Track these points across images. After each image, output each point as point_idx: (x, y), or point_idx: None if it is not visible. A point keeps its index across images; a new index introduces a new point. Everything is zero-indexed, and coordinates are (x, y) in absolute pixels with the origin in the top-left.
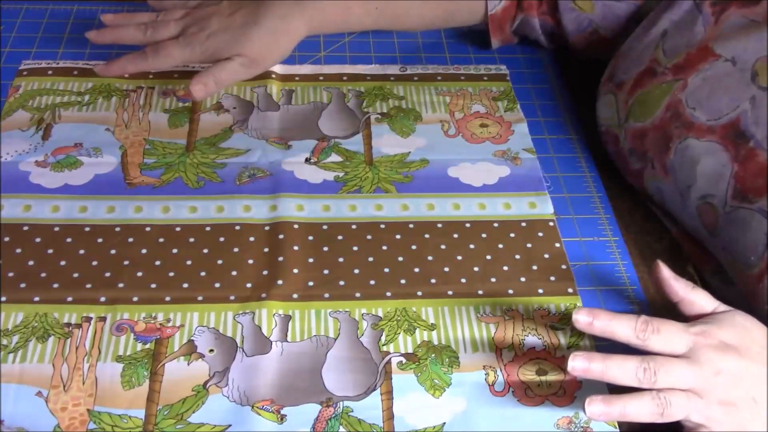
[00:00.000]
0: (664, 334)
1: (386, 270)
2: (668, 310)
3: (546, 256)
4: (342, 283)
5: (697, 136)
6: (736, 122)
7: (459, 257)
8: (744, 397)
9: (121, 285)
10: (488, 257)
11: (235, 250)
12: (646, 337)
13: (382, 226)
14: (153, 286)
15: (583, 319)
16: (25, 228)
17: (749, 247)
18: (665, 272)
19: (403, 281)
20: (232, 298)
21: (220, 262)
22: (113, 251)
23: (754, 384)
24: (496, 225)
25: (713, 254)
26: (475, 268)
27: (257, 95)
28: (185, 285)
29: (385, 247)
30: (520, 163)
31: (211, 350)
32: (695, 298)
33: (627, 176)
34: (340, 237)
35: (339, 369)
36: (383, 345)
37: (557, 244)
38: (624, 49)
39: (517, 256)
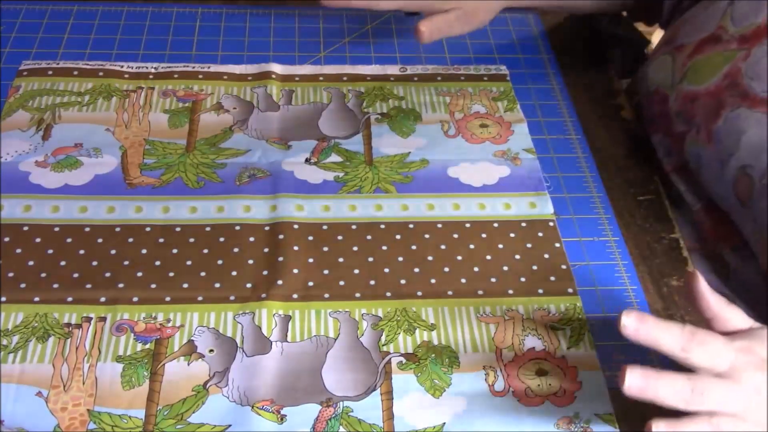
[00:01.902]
0: (709, 348)
1: (386, 270)
2: (668, 314)
3: (546, 256)
4: (342, 283)
5: (749, 107)
6: None
7: (459, 257)
8: None
9: (121, 285)
10: (488, 257)
11: (235, 250)
12: (692, 348)
13: (382, 226)
14: (153, 286)
15: (631, 325)
16: (25, 228)
17: None
18: (702, 285)
19: (403, 281)
20: (232, 298)
21: (220, 262)
22: (113, 251)
23: None
24: (496, 225)
25: (737, 230)
26: (475, 268)
27: (257, 95)
28: (185, 285)
29: (385, 247)
30: (520, 163)
31: (211, 350)
32: (731, 315)
33: (667, 137)
34: (340, 237)
35: (339, 369)
36: (383, 345)
37: (557, 244)
38: (688, 16)
39: (517, 256)
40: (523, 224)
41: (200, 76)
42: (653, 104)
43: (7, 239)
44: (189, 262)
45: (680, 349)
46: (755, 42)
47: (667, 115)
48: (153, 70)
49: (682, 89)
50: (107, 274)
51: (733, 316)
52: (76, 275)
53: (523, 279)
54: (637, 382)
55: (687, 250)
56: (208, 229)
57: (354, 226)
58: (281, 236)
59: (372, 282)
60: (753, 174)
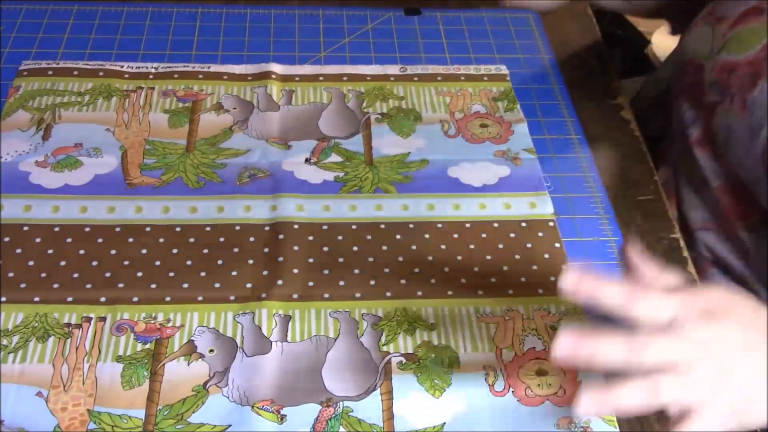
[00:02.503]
0: (650, 300)
1: (386, 270)
2: None
3: (546, 256)
4: (342, 283)
5: None
6: None
7: (459, 257)
8: (735, 364)
9: (121, 285)
10: (488, 257)
11: (235, 250)
12: (632, 302)
13: (382, 226)
14: (153, 286)
15: (572, 281)
16: (25, 228)
17: None
18: (634, 256)
19: (403, 281)
20: (232, 298)
21: (220, 262)
22: (113, 251)
23: (746, 351)
24: (496, 225)
25: (755, 208)
26: (475, 268)
27: (257, 95)
28: (185, 285)
29: (385, 247)
30: (520, 163)
31: (211, 350)
32: (668, 281)
33: (697, 108)
34: (340, 237)
35: (339, 369)
36: (383, 345)
37: (557, 244)
38: None
39: (517, 256)
40: (523, 224)
41: (200, 76)
42: (686, 74)
43: (7, 239)
44: (189, 262)
45: (620, 304)
46: None
47: (701, 85)
48: (153, 70)
49: (720, 59)
50: (107, 274)
51: (671, 281)
52: (76, 275)
53: (523, 279)
54: (569, 342)
55: (696, 231)
56: (208, 229)
57: (354, 226)
58: (281, 236)
59: (372, 282)
60: None
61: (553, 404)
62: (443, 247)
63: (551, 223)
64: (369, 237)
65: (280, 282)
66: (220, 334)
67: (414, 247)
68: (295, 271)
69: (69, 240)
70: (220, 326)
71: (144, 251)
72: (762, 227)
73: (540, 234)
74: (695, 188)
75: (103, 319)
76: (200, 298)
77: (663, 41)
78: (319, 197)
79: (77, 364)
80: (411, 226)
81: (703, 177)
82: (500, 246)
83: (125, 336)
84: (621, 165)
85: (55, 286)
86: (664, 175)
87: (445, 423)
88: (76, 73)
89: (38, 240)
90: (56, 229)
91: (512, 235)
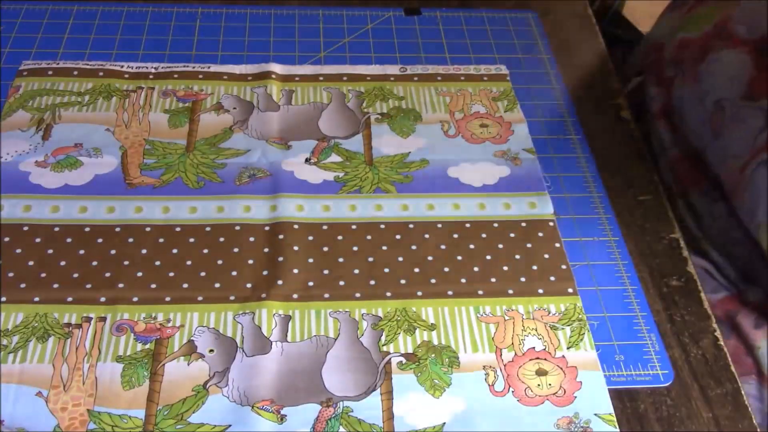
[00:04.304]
0: None
1: (386, 270)
2: (668, 314)
3: (546, 256)
4: (342, 283)
5: (732, 47)
6: None
7: (459, 257)
8: None
9: (121, 285)
10: (488, 257)
11: (235, 250)
12: None
13: (382, 226)
14: (153, 286)
15: None
16: (25, 228)
17: (744, 139)
18: None
19: (403, 281)
20: (232, 298)
21: (220, 262)
22: (113, 251)
23: None
24: (496, 225)
25: (706, 173)
26: (475, 268)
27: (257, 95)
28: (185, 285)
29: (385, 247)
30: (520, 164)
31: (211, 350)
32: None
33: (659, 85)
34: (340, 237)
35: (339, 369)
36: (383, 345)
37: (557, 244)
38: None
39: (517, 256)
40: (523, 224)
41: (200, 76)
42: (650, 54)
43: (7, 239)
44: (189, 262)
45: None
46: None
47: (662, 62)
48: (153, 70)
49: (677, 38)
50: (107, 274)
51: None
52: (76, 275)
53: (523, 279)
54: None
55: (671, 196)
56: (208, 229)
57: (354, 226)
58: (281, 236)
59: (372, 282)
60: (726, 105)
61: (553, 404)
62: (443, 247)
63: (551, 223)
64: (369, 237)
65: (280, 282)
66: (220, 334)
67: (414, 247)
68: (295, 271)
69: (69, 240)
70: (220, 326)
71: (144, 251)
72: (712, 192)
73: (540, 234)
74: (659, 158)
75: (103, 319)
76: (200, 298)
77: None
78: (319, 197)
79: (77, 364)
80: (411, 226)
81: (663, 147)
82: (500, 246)
83: (125, 336)
84: (621, 165)
85: (55, 286)
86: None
87: (445, 423)
88: (76, 73)
89: (38, 240)
90: (56, 229)
91: (512, 235)
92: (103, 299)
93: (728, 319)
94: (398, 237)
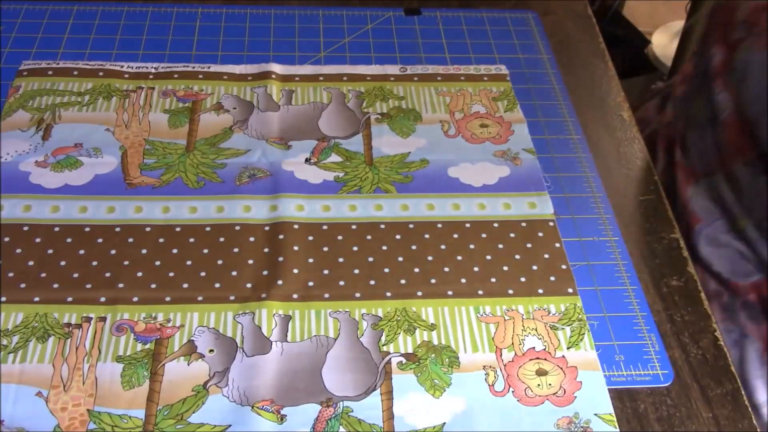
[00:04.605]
0: None
1: (386, 270)
2: (668, 314)
3: (546, 256)
4: (342, 283)
5: None
6: None
7: (459, 257)
8: None
9: (121, 285)
10: (488, 257)
11: (235, 250)
12: None
13: (382, 226)
14: (153, 286)
15: None
16: (25, 228)
17: None
18: None
19: (403, 281)
20: (232, 298)
21: (220, 262)
22: (113, 251)
23: None
24: (496, 225)
25: (756, 142)
26: (475, 268)
27: (257, 95)
28: (185, 285)
29: (385, 247)
30: (520, 163)
31: (211, 350)
32: None
33: (722, 45)
34: (340, 237)
35: (339, 369)
36: (383, 345)
37: (557, 244)
38: None
39: (517, 256)
40: (523, 224)
41: (200, 76)
42: (720, 12)
43: (7, 239)
44: (189, 262)
45: None
46: None
47: (732, 23)
48: (153, 70)
49: (753, 1)
50: (107, 274)
51: None
52: (76, 275)
53: (523, 279)
54: None
55: (693, 176)
56: (208, 229)
57: (354, 226)
58: (281, 236)
59: (372, 282)
60: None
61: (553, 404)
62: (443, 247)
63: (551, 223)
64: (369, 237)
65: (280, 282)
66: (220, 334)
67: (414, 247)
68: (295, 271)
69: (69, 240)
70: (220, 326)
71: (144, 251)
72: (758, 163)
73: (540, 234)
74: (702, 126)
75: (103, 319)
76: (200, 298)
77: (663, 41)
78: (319, 197)
79: (77, 364)
80: (411, 226)
81: (714, 112)
82: (500, 246)
83: (125, 336)
84: (621, 165)
85: (55, 286)
86: (670, 114)
87: (445, 423)
88: (76, 73)
89: (38, 240)
90: (56, 229)
91: (512, 235)
92: (103, 299)
93: (762, 303)
94: (398, 237)
